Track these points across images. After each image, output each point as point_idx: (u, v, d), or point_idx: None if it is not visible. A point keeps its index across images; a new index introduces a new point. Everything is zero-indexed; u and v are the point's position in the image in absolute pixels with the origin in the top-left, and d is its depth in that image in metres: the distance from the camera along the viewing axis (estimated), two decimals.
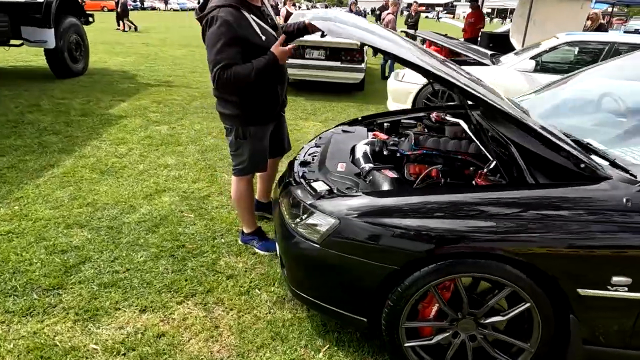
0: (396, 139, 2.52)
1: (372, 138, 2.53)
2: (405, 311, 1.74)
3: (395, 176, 2.03)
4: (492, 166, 1.97)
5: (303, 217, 1.93)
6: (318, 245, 1.84)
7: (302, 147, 2.75)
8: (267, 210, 3.15)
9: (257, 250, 2.77)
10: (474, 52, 6.00)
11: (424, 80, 5.89)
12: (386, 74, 9.57)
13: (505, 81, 5.23)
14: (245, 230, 2.81)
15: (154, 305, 2.28)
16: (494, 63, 5.64)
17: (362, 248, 1.75)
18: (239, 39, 2.22)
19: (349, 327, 2.13)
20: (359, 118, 3.14)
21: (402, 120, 2.97)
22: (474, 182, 1.93)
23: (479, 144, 2.23)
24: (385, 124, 2.95)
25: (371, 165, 2.19)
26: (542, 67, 5.36)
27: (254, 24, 2.27)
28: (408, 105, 6.04)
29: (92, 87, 7.18)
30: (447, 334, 1.78)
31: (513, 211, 1.60)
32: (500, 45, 7.86)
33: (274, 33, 2.41)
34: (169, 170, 3.97)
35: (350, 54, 7.06)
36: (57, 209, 3.18)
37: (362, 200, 1.80)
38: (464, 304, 1.73)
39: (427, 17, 53.53)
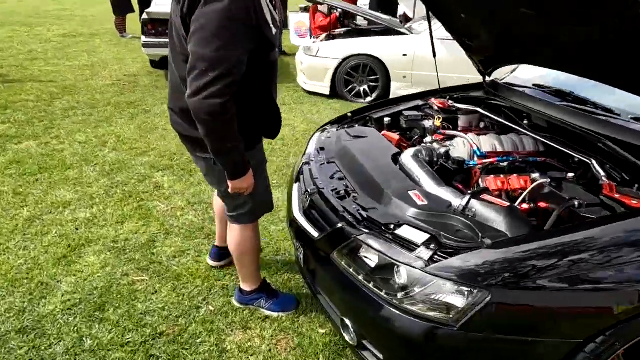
0: (446, 143, 2.01)
1: (419, 146, 1.97)
2: None
3: (507, 203, 1.53)
4: (603, 173, 1.61)
5: (415, 289, 1.32)
6: (455, 329, 1.27)
7: (305, 164, 2.04)
8: None
9: (267, 313, 2.04)
10: (384, 20, 5.69)
11: (342, 55, 5.39)
12: None
13: (426, 52, 5.04)
14: (247, 288, 2.04)
15: None
16: (410, 32, 5.41)
17: (532, 324, 1.24)
18: (254, 30, 1.41)
19: None
20: (349, 114, 2.52)
21: (405, 113, 2.46)
22: (603, 198, 1.53)
23: (552, 142, 1.85)
24: (385, 119, 2.41)
25: (445, 187, 1.66)
26: None
27: (265, 8, 1.45)
28: (326, 83, 5.51)
29: None
30: None
31: None
32: (389, 10, 7.72)
33: (279, 23, 1.61)
34: (72, 212, 2.81)
35: None
36: None
37: (512, 254, 1.26)
38: None
39: None
